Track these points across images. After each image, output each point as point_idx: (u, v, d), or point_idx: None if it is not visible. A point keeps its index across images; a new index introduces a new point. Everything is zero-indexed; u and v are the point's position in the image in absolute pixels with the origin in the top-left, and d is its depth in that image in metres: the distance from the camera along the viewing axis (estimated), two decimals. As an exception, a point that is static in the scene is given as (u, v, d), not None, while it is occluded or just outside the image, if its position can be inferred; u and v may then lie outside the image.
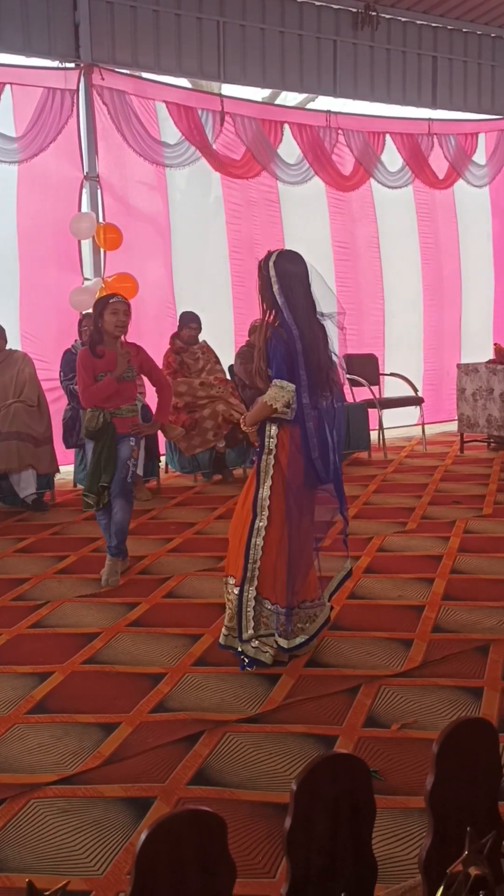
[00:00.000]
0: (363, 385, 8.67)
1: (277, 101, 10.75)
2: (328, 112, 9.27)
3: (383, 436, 8.67)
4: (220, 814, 1.44)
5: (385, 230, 9.76)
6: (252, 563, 3.70)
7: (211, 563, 5.21)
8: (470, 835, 1.45)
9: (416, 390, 9.04)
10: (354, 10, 9.10)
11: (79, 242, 7.88)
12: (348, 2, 9.05)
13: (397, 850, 2.47)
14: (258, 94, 9.83)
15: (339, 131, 9.31)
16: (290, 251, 3.81)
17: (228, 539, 3.91)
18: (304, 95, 10.61)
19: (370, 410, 8.51)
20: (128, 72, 8.11)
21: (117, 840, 2.56)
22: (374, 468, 8.01)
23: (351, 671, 3.67)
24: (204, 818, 1.41)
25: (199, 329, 7.72)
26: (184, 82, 8.82)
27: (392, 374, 9.26)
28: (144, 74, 8.30)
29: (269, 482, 3.70)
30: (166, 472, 7.92)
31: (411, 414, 9.14)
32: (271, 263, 3.68)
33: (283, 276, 3.66)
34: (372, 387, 8.78)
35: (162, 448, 7.71)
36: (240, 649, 3.73)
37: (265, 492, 3.70)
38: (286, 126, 9.03)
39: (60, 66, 7.74)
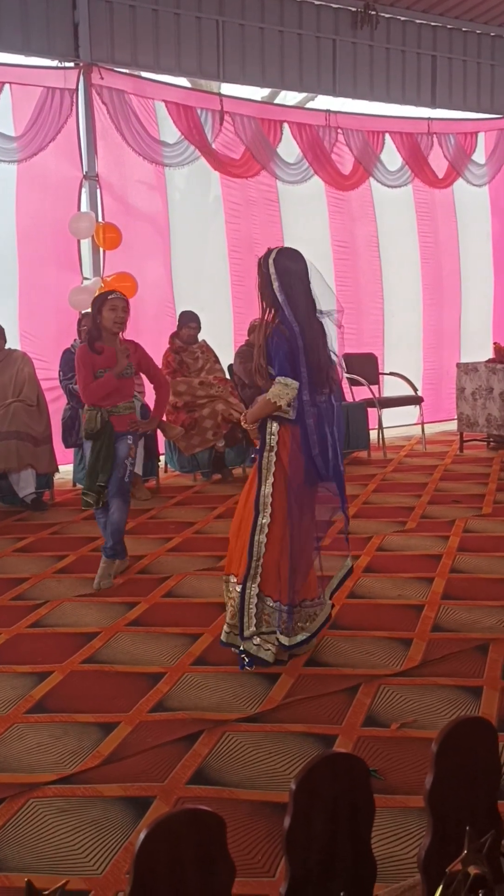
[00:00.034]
0: (363, 384, 8.67)
1: (277, 101, 10.74)
2: (327, 111, 9.26)
3: (383, 435, 8.67)
4: (220, 813, 1.44)
5: (384, 229, 9.76)
6: (256, 560, 3.70)
7: (210, 562, 5.21)
8: (469, 834, 1.45)
9: (415, 389, 9.03)
10: (354, 9, 9.09)
11: (78, 242, 7.87)
12: (348, 1, 9.05)
13: (396, 849, 2.47)
14: (257, 93, 9.82)
15: (339, 130, 9.31)
16: (290, 249, 3.81)
17: (229, 538, 3.90)
18: (303, 95, 10.61)
19: (370, 410, 8.51)
20: (127, 71, 8.11)
21: (116, 839, 2.56)
22: (374, 467, 8.01)
23: (350, 670, 3.67)
24: (203, 817, 1.41)
25: (199, 328, 7.72)
26: (183, 81, 8.81)
27: (391, 374, 9.26)
28: (144, 74, 8.30)
29: (270, 479, 3.70)
30: (165, 471, 7.92)
31: (411, 413, 9.14)
32: (271, 261, 3.68)
33: (283, 274, 3.66)
34: (371, 386, 8.78)
35: (161, 447, 7.71)
36: (242, 647, 3.73)
37: (267, 489, 3.69)
38: (285, 125, 9.03)
39: (60, 65, 7.74)
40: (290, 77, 9.02)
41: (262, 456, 3.73)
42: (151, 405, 5.89)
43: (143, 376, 5.53)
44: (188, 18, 8.27)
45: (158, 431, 7.04)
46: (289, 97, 11.02)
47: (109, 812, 2.70)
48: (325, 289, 3.80)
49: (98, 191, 7.93)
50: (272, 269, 3.66)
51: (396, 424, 9.28)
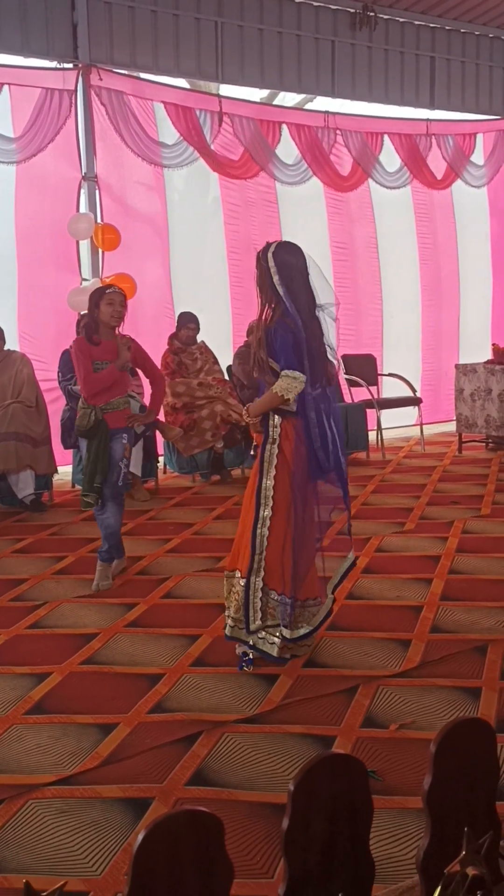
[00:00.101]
0: (361, 385, 8.67)
1: (275, 102, 10.74)
2: (326, 112, 9.27)
3: (381, 436, 8.67)
4: (218, 814, 1.44)
5: (383, 230, 9.76)
6: (258, 553, 3.69)
7: (209, 563, 5.22)
8: (467, 835, 1.45)
9: (414, 391, 9.04)
10: (352, 10, 9.10)
11: (77, 243, 7.88)
12: (346, 2, 9.06)
13: (395, 850, 2.47)
14: (256, 94, 9.83)
15: (338, 132, 9.32)
16: (290, 243, 3.79)
17: (236, 537, 3.88)
18: (302, 96, 10.60)
19: (368, 411, 8.51)
20: (126, 72, 8.11)
21: (115, 840, 2.56)
22: (373, 468, 8.01)
23: (349, 671, 3.67)
24: (202, 818, 1.41)
25: (198, 329, 7.72)
26: (182, 83, 8.81)
27: (390, 375, 9.26)
28: (142, 75, 8.30)
29: (273, 472, 3.68)
30: (164, 472, 7.92)
31: (410, 414, 9.15)
32: (270, 254, 3.67)
33: (283, 268, 3.65)
34: (370, 387, 8.78)
35: (160, 449, 7.71)
36: (250, 642, 3.73)
37: (269, 482, 3.68)
38: (284, 126, 9.03)
39: (58, 66, 7.74)
40: (289, 78, 9.03)
41: (264, 448, 3.71)
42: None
43: (143, 376, 5.52)
44: (187, 19, 8.28)
45: (157, 432, 7.06)
46: (287, 98, 11.03)
47: (108, 813, 2.70)
48: (323, 283, 3.79)
49: (97, 192, 7.93)
50: (272, 263, 3.65)
51: (395, 425, 9.29)
